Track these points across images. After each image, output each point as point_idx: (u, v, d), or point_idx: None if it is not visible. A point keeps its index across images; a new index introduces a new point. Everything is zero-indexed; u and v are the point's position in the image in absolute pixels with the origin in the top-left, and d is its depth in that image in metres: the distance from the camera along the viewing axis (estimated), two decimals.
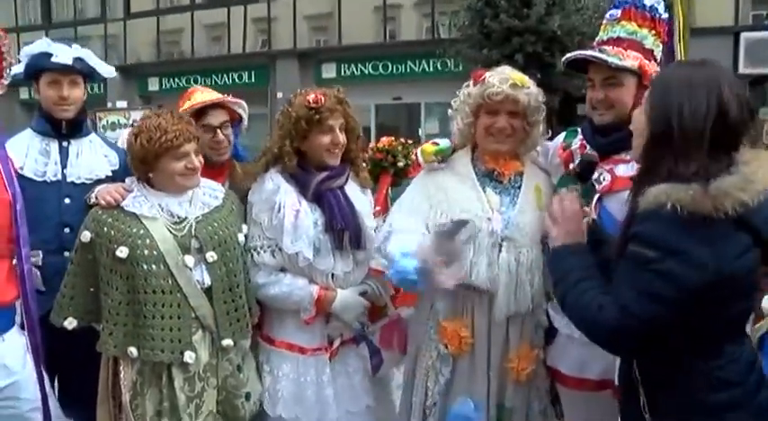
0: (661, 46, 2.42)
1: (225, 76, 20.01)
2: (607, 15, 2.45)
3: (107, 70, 2.96)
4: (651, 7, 2.39)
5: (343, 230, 2.50)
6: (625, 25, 2.38)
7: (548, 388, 2.56)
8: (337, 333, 2.59)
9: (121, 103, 16.28)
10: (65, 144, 2.82)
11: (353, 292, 2.57)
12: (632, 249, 1.70)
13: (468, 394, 2.42)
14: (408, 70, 17.90)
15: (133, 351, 2.33)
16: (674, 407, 1.76)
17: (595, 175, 2.29)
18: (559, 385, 2.54)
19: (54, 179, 2.76)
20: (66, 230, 2.67)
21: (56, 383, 2.80)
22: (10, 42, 2.59)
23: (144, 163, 2.39)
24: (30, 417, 2.46)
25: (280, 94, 16.93)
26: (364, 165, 2.87)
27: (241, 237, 2.52)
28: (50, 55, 2.73)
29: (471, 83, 2.50)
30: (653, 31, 2.39)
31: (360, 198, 2.66)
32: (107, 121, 11.84)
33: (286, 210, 2.49)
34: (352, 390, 2.60)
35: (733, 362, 1.74)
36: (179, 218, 2.42)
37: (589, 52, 2.39)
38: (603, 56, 2.33)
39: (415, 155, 2.73)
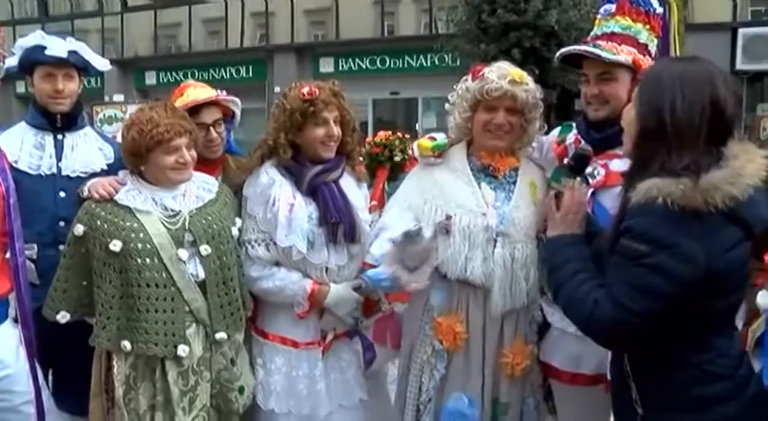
0: (656, 41, 2.42)
1: (222, 70, 19.98)
2: (601, 10, 2.45)
3: (102, 63, 2.95)
4: (645, 2, 2.39)
5: (338, 224, 2.50)
6: (619, 20, 2.38)
7: (540, 382, 2.57)
8: (330, 327, 2.59)
9: (118, 97, 16.24)
10: (60, 137, 2.81)
11: (347, 287, 2.57)
12: (624, 243, 1.71)
13: (463, 390, 2.42)
14: (406, 65, 17.88)
15: (126, 345, 2.33)
16: (665, 400, 1.77)
17: (589, 170, 2.29)
18: (552, 380, 2.54)
19: (49, 172, 2.75)
20: (61, 224, 2.67)
21: (50, 377, 2.80)
22: (4, 35, 2.58)
23: (135, 156, 2.38)
24: (23, 411, 2.46)
25: (277, 89, 16.88)
26: (361, 159, 2.87)
27: (235, 231, 2.52)
28: (44, 48, 2.71)
29: (470, 78, 2.49)
30: (647, 26, 2.39)
31: (355, 192, 2.66)
32: (104, 115, 11.82)
33: (280, 203, 2.48)
34: (345, 385, 2.61)
35: (723, 355, 1.75)
36: (173, 211, 2.41)
37: (583, 47, 2.39)
38: (597, 51, 2.33)
39: (412, 149, 2.73)
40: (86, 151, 2.84)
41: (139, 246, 2.32)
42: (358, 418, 2.63)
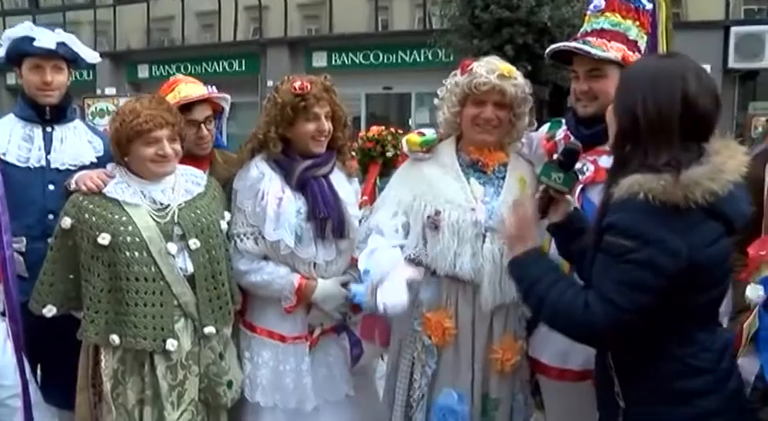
0: (645, 37, 2.43)
1: (215, 63, 19.92)
2: (591, 7, 2.45)
3: (92, 56, 2.93)
4: None
5: (326, 219, 2.49)
6: (609, 17, 2.38)
7: (528, 378, 2.58)
8: (318, 322, 2.59)
9: (110, 90, 16.22)
10: (48, 130, 2.80)
11: (335, 282, 2.57)
12: (609, 240, 1.72)
13: (453, 385, 2.43)
14: (399, 60, 17.87)
15: (115, 339, 2.32)
16: (647, 393, 1.78)
17: (578, 166, 2.29)
18: (541, 375, 2.55)
19: (38, 165, 2.75)
20: (50, 217, 2.65)
21: (38, 370, 2.80)
22: None
23: (118, 146, 2.39)
24: (9, 404, 2.46)
25: (270, 83, 16.83)
26: (353, 153, 2.87)
27: (224, 225, 2.51)
28: (33, 39, 2.70)
29: (458, 72, 2.49)
30: (637, 23, 2.39)
31: (345, 187, 2.65)
32: (96, 108, 11.75)
33: (269, 197, 2.48)
34: (332, 380, 2.60)
35: (705, 349, 1.77)
36: (161, 204, 2.40)
37: (573, 44, 2.39)
38: (587, 47, 2.33)
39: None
40: (76, 144, 2.83)
41: (128, 239, 2.31)
42: (344, 413, 2.63)
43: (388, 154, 3.77)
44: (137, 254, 2.32)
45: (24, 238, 2.67)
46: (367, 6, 18.51)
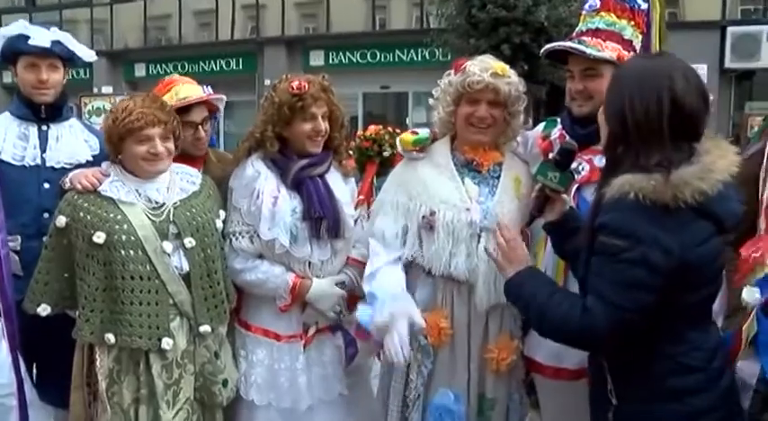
0: (641, 37, 2.43)
1: (213, 62, 19.90)
2: (586, 6, 2.45)
3: (87, 54, 2.93)
4: None
5: (321, 219, 2.49)
6: (604, 16, 2.39)
7: (523, 377, 2.58)
8: (313, 321, 2.59)
9: (107, 89, 16.20)
10: (44, 128, 2.80)
11: (330, 282, 2.57)
12: (602, 241, 1.72)
13: (449, 385, 2.43)
14: (397, 59, 17.88)
15: (110, 337, 2.32)
16: (639, 390, 1.79)
17: (574, 165, 2.30)
18: (536, 375, 2.55)
19: (33, 164, 2.75)
20: (46, 215, 2.65)
21: (33, 369, 2.79)
22: None
23: (110, 143, 2.39)
24: (5, 403, 2.46)
25: (267, 82, 16.82)
26: (350, 153, 2.86)
27: (219, 223, 2.51)
28: (28, 37, 2.70)
29: (452, 71, 2.49)
30: (632, 23, 2.39)
31: (341, 187, 2.65)
32: (92, 107, 11.75)
33: (264, 196, 2.48)
34: (326, 379, 2.60)
35: (697, 348, 1.77)
36: (157, 203, 2.40)
37: (568, 43, 2.40)
38: (582, 47, 2.33)
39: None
40: (71, 142, 2.83)
41: (123, 237, 2.31)
42: (339, 413, 2.63)
43: (386, 153, 3.78)
44: (132, 252, 2.31)
45: (19, 237, 2.67)
46: (364, 5, 18.50)
